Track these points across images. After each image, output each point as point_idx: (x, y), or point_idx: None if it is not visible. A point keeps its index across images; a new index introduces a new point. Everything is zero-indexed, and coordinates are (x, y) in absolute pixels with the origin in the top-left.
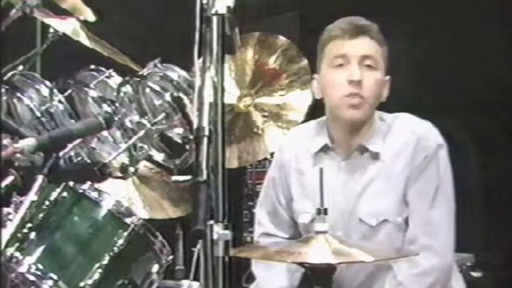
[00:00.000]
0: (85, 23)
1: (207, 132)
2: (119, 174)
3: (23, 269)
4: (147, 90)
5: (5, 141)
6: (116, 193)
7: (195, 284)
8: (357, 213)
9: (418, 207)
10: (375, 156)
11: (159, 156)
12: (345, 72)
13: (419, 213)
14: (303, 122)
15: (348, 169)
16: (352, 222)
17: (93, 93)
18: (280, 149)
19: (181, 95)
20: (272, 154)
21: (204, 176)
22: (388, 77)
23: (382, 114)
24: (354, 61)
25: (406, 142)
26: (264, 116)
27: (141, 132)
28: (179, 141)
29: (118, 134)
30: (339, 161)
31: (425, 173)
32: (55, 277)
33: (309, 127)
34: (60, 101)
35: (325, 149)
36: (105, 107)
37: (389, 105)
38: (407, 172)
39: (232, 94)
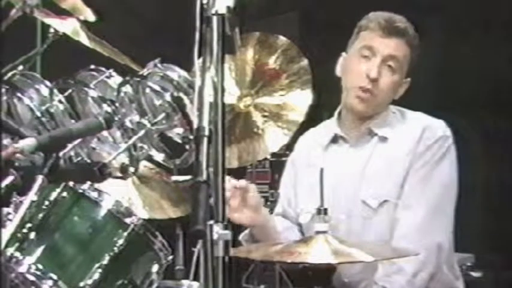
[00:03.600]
0: (85, 23)
1: (207, 132)
2: (119, 174)
3: (23, 269)
4: (147, 90)
5: (5, 141)
6: (115, 193)
7: (195, 284)
8: (359, 195)
9: (410, 190)
10: (383, 140)
11: (159, 156)
12: (367, 65)
13: (408, 196)
14: (303, 122)
15: (355, 154)
16: (355, 205)
17: (93, 93)
18: (294, 149)
19: (181, 95)
20: (272, 154)
21: (204, 176)
22: (408, 79)
23: (397, 108)
24: (378, 57)
25: (413, 130)
26: (264, 116)
27: (141, 132)
28: (179, 141)
29: (118, 134)
30: (348, 147)
31: (424, 159)
32: (55, 277)
33: (320, 126)
34: (60, 101)
35: (335, 139)
36: (105, 107)
37: (403, 105)
38: (410, 158)
39: (232, 94)
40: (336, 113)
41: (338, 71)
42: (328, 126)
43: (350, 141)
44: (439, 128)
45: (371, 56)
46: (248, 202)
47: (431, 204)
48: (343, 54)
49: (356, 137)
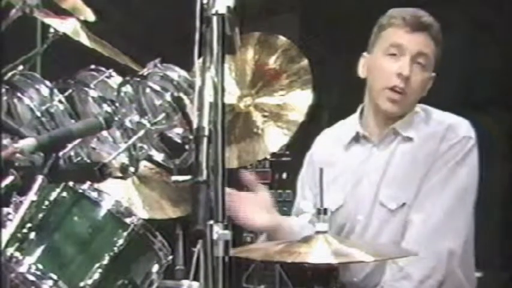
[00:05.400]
0: (85, 23)
1: (207, 132)
2: (119, 174)
3: (23, 269)
4: (147, 90)
5: (5, 141)
6: (115, 193)
7: (195, 284)
8: (378, 197)
9: (426, 192)
10: (406, 141)
11: (159, 156)
12: (396, 63)
13: (424, 198)
14: (303, 122)
15: (377, 154)
16: (374, 206)
17: (93, 93)
18: (312, 148)
19: (181, 95)
20: (272, 154)
21: (204, 176)
22: (433, 74)
23: (422, 107)
24: (408, 55)
25: (436, 131)
26: (264, 116)
27: (141, 132)
28: (179, 141)
29: (118, 134)
30: (370, 147)
31: (444, 159)
32: (55, 277)
33: (339, 124)
34: (60, 101)
35: (357, 137)
36: (105, 107)
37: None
38: (432, 159)
39: (232, 94)
40: (357, 112)
41: (361, 71)
42: (350, 125)
43: (373, 140)
44: (463, 127)
45: (399, 55)
46: (259, 202)
47: (446, 208)
48: (365, 54)
49: (379, 136)
